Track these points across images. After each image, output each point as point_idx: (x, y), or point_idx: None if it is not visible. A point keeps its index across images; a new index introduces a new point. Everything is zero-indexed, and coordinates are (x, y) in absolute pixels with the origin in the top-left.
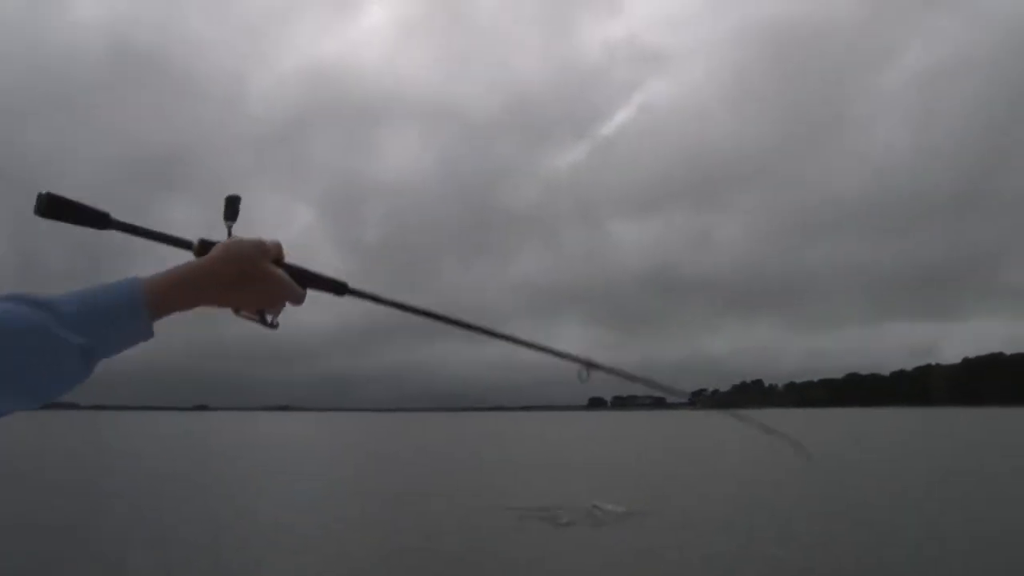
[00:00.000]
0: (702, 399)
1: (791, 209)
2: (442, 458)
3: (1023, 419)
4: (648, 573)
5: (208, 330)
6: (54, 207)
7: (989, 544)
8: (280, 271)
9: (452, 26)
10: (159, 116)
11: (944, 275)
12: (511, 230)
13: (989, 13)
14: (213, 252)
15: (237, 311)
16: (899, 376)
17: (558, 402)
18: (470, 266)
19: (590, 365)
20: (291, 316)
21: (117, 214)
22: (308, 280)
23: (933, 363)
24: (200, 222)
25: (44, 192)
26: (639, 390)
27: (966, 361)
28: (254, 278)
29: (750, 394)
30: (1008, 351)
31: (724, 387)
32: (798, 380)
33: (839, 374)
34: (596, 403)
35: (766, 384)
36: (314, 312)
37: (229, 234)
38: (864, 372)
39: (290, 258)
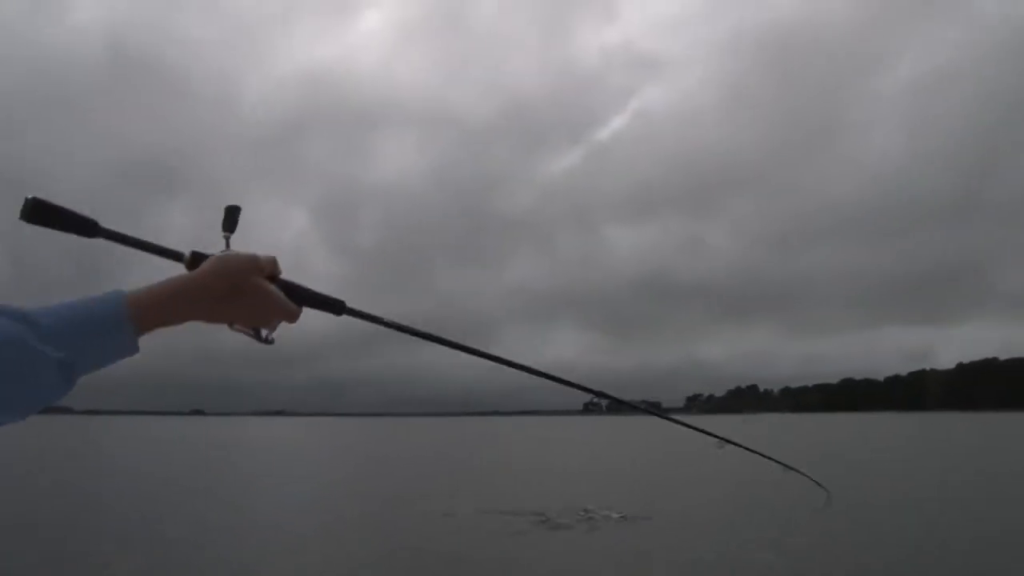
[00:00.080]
0: (698, 404)
1: (787, 215)
2: (436, 462)
3: (1018, 424)
4: None
5: (203, 335)
6: (40, 213)
7: (987, 547)
8: (273, 287)
9: (449, 31)
10: (155, 119)
11: (939, 281)
12: (506, 235)
13: (984, 20)
14: (204, 266)
15: (231, 326)
16: (894, 381)
17: (553, 406)
18: (465, 271)
19: (601, 395)
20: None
21: (113, 217)
22: (304, 298)
23: (928, 368)
24: (196, 226)
25: (30, 197)
26: (634, 395)
27: (961, 366)
28: (246, 293)
29: (745, 399)
30: (1002, 356)
31: (719, 392)
32: (793, 385)
33: (834, 379)
34: (591, 408)
35: (761, 389)
36: (310, 316)
37: (227, 245)
38: (859, 377)
39: (284, 264)
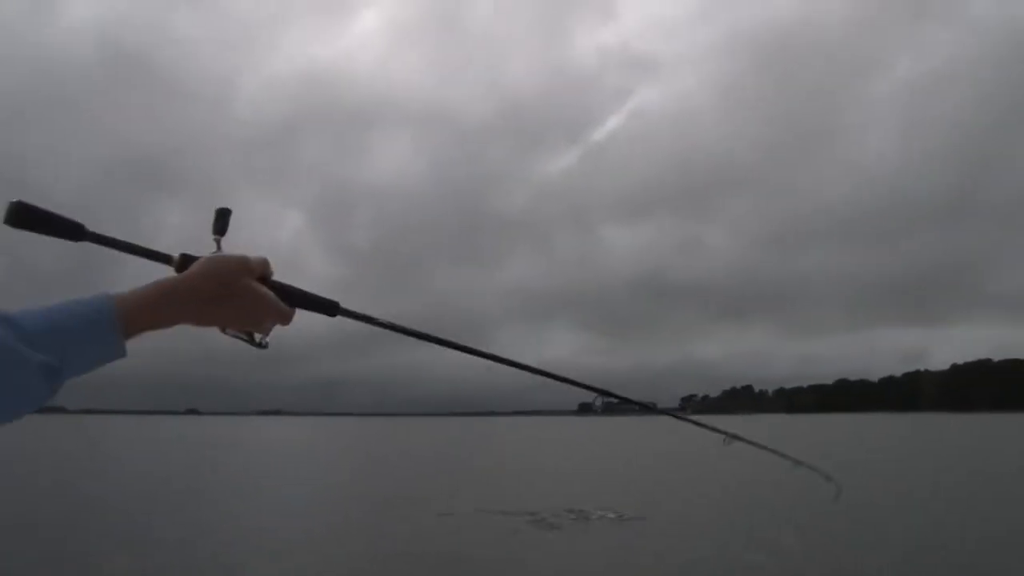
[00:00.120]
0: (692, 404)
1: (782, 216)
2: (431, 462)
3: (1012, 425)
4: None
5: (199, 333)
6: (24, 217)
7: (983, 547)
8: (264, 289)
9: (445, 31)
10: (149, 118)
11: (933, 282)
12: (503, 235)
13: (979, 23)
14: (193, 268)
15: (224, 329)
16: (888, 382)
17: (548, 407)
18: (461, 271)
19: (605, 393)
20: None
21: (107, 217)
22: (296, 299)
23: (922, 369)
24: (191, 227)
25: (14, 200)
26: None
27: (955, 367)
28: (235, 295)
29: (740, 400)
30: (996, 358)
31: (714, 393)
32: (788, 386)
33: (829, 380)
34: (585, 408)
35: (756, 390)
36: (305, 316)
37: (218, 248)
38: (854, 378)
39: (280, 264)
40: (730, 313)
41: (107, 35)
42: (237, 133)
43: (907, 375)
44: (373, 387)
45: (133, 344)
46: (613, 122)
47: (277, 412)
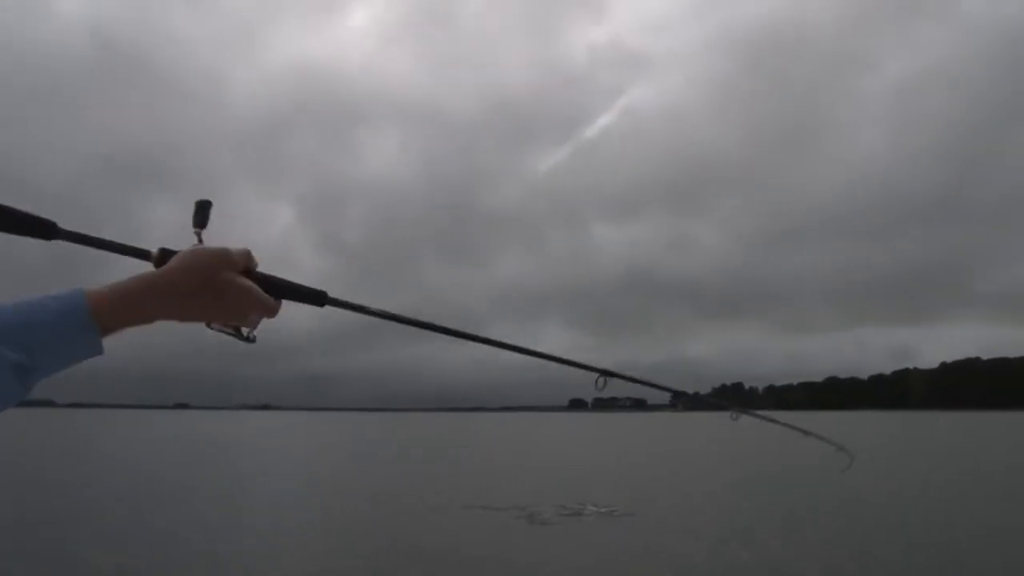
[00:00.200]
0: (683, 400)
1: (772, 213)
2: (422, 458)
3: (999, 423)
4: (626, 571)
5: (188, 328)
6: None
7: (974, 544)
8: (247, 281)
9: (436, 28)
10: (141, 114)
11: (923, 281)
12: (494, 232)
13: (970, 21)
14: (172, 262)
15: (209, 324)
16: (878, 380)
17: (539, 403)
18: (452, 268)
19: (607, 374)
20: (273, 318)
21: (98, 212)
22: (282, 290)
23: (912, 367)
24: (181, 221)
25: None
26: (620, 392)
27: (944, 366)
28: (216, 289)
29: (730, 397)
30: (985, 356)
31: (704, 390)
32: (778, 383)
33: (819, 377)
34: (576, 404)
35: (746, 387)
36: (295, 311)
37: (199, 241)
38: (844, 376)
39: (269, 260)
40: (721, 310)
41: (98, 30)
42: (229, 128)
43: (896, 373)
44: (361, 382)
45: (125, 339)
46: (604, 119)
47: (266, 407)
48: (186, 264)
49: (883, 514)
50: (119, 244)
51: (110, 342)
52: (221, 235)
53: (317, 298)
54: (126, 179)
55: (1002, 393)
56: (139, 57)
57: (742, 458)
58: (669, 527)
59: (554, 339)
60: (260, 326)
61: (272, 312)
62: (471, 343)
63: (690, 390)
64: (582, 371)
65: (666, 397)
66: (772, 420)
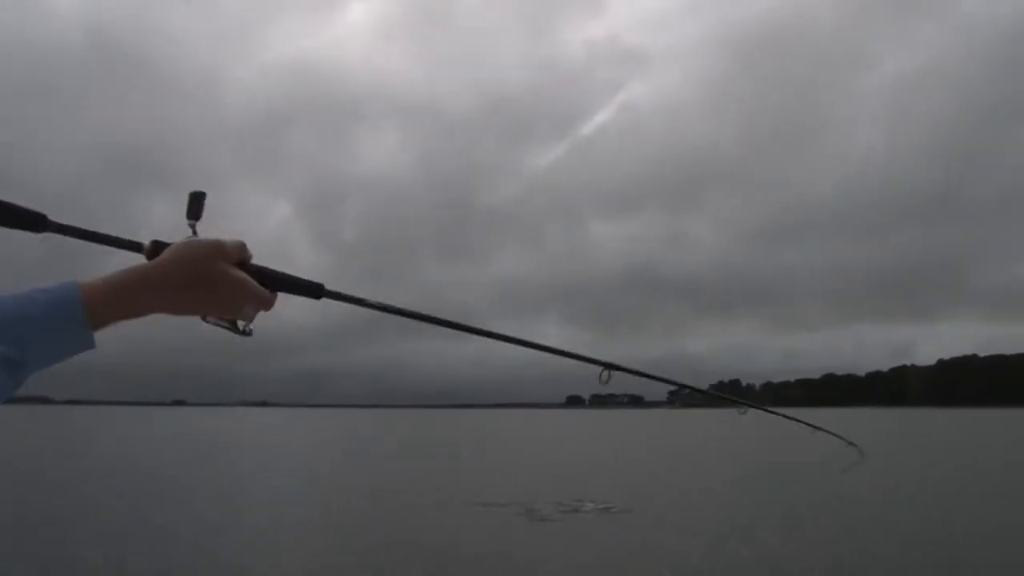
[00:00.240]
0: (680, 398)
1: (770, 210)
2: (418, 454)
3: (997, 420)
4: (624, 567)
5: (184, 323)
6: None
7: (972, 540)
8: (242, 273)
9: (434, 24)
10: (138, 109)
11: (920, 277)
12: (492, 228)
13: (967, 19)
14: (164, 254)
15: (204, 318)
16: (875, 377)
17: (537, 399)
18: (449, 264)
19: (611, 367)
20: (269, 311)
21: (97, 210)
22: (278, 283)
23: (909, 364)
24: (178, 216)
25: None
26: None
27: (941, 363)
28: (210, 281)
29: (727, 394)
30: (982, 353)
31: (701, 386)
32: (775, 380)
33: (816, 374)
34: (574, 401)
35: (743, 384)
36: (292, 307)
37: (193, 233)
38: (841, 372)
39: (267, 254)
40: (718, 307)
41: (94, 25)
42: (226, 124)
43: (894, 370)
44: (360, 379)
45: (122, 335)
46: (602, 116)
47: (263, 403)
48: (179, 256)
49: (882, 511)
50: (110, 236)
51: (108, 338)
52: (217, 231)
53: (314, 290)
54: (124, 176)
55: (999, 390)
56: (136, 55)
57: (741, 455)
58: (667, 523)
59: (552, 335)
60: (256, 320)
61: (267, 304)
62: (468, 338)
63: (686, 389)
64: (579, 367)
65: (663, 394)
66: (781, 415)
